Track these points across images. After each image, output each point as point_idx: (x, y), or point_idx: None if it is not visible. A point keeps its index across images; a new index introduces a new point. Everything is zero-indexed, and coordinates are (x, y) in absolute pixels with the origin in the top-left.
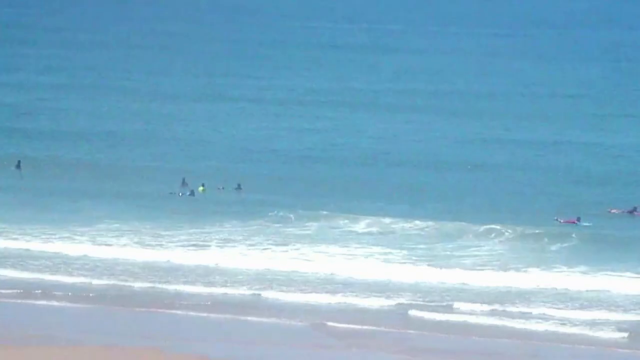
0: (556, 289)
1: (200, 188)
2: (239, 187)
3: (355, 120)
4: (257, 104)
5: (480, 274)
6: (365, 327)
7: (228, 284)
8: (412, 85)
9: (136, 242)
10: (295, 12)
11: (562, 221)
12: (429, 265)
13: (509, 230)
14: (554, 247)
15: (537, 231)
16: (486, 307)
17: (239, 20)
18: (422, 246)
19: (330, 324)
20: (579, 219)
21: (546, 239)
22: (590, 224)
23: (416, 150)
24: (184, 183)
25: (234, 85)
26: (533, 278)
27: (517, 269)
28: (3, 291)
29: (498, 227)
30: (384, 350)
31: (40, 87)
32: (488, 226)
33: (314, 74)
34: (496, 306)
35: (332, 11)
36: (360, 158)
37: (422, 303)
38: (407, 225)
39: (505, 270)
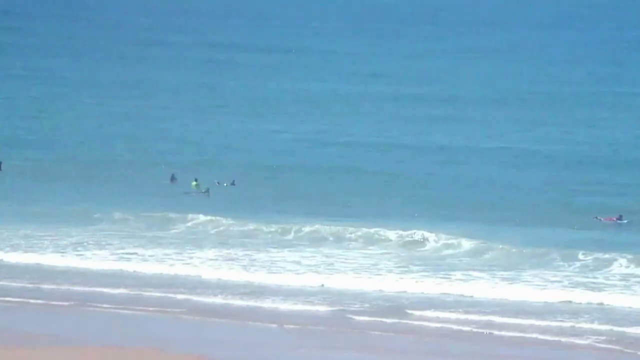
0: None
1: (194, 183)
2: (233, 183)
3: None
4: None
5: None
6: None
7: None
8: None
9: (135, 246)
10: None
11: (603, 219)
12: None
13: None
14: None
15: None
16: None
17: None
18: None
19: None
20: (620, 217)
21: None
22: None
23: (389, 157)
24: (173, 178)
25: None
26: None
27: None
28: (5, 298)
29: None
30: None
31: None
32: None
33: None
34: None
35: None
36: (321, 166)
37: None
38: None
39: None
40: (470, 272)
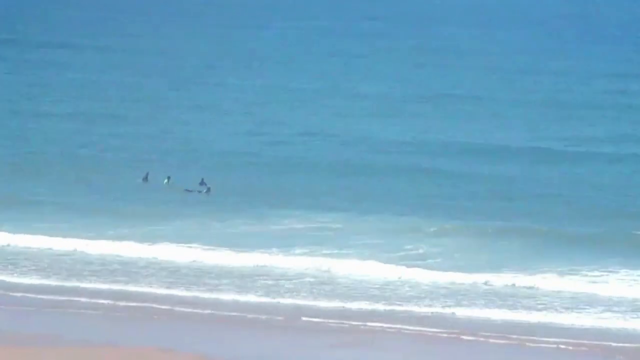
0: None
1: (165, 181)
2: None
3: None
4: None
5: None
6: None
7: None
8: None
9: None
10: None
11: None
12: None
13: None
14: None
15: None
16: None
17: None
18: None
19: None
20: None
21: None
22: None
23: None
24: (146, 178)
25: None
26: None
27: None
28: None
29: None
30: None
31: None
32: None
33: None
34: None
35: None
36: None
37: None
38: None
39: None
40: None
